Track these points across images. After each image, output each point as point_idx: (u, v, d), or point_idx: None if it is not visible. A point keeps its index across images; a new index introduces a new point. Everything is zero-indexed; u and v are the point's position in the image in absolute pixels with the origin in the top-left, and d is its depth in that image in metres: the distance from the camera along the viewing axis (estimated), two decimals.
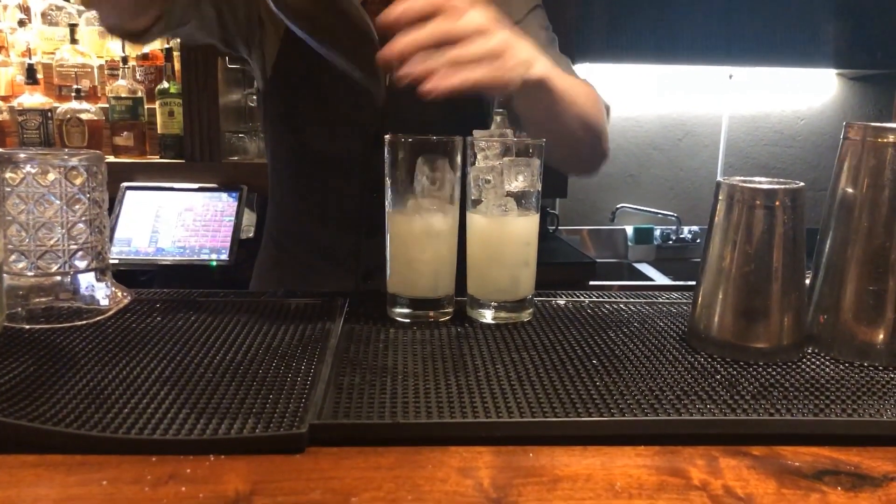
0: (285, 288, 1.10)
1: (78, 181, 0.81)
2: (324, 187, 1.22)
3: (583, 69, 2.83)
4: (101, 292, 0.85)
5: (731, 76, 3.01)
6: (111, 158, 2.38)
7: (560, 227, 2.92)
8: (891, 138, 0.74)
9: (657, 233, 3.03)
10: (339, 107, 1.17)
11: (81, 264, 0.83)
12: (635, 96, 3.01)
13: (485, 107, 1.23)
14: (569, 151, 1.09)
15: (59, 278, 0.82)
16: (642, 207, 3.01)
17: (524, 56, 0.86)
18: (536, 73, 0.88)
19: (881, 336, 0.75)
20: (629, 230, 3.03)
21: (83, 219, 0.82)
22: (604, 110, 1.09)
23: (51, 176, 0.79)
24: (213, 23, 1.14)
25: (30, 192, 0.78)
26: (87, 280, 0.84)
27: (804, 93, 3.08)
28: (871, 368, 0.74)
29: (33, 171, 0.78)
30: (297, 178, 1.24)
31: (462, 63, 0.80)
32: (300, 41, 1.07)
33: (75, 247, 0.82)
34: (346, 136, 1.18)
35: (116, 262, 2.10)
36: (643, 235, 3.03)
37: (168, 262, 2.13)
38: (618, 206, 3.00)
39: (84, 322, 0.81)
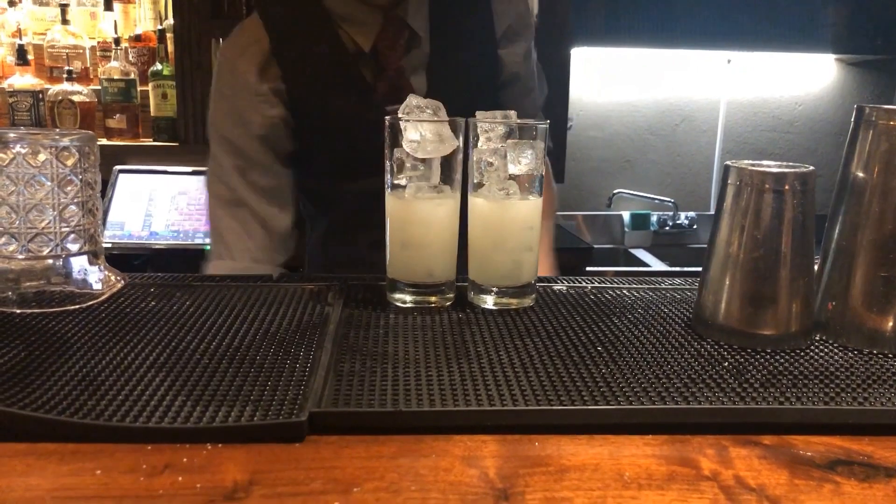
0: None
1: (69, 162, 0.78)
2: (373, 217, 1.23)
3: (580, 53, 2.81)
4: (94, 276, 0.83)
5: (729, 61, 2.99)
6: (104, 141, 2.35)
7: (557, 213, 2.90)
8: None
9: (654, 218, 3.02)
10: (368, 149, 1.15)
11: (74, 247, 0.81)
12: (633, 81, 2.99)
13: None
14: None
15: (50, 261, 0.80)
16: (639, 193, 3.00)
17: None
18: None
19: (891, 323, 0.74)
20: (626, 216, 3.01)
21: (75, 200, 0.80)
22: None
23: (41, 156, 0.77)
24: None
25: (20, 172, 0.76)
26: (79, 263, 0.82)
27: (802, 78, 3.06)
28: (880, 356, 0.73)
29: (23, 151, 0.76)
30: (345, 217, 1.29)
31: None
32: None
33: (67, 229, 0.79)
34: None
35: (109, 245, 2.07)
36: (640, 221, 3.01)
37: (162, 247, 2.10)
38: (614, 191, 2.99)
39: (76, 306, 0.79)
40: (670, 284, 0.96)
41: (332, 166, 1.23)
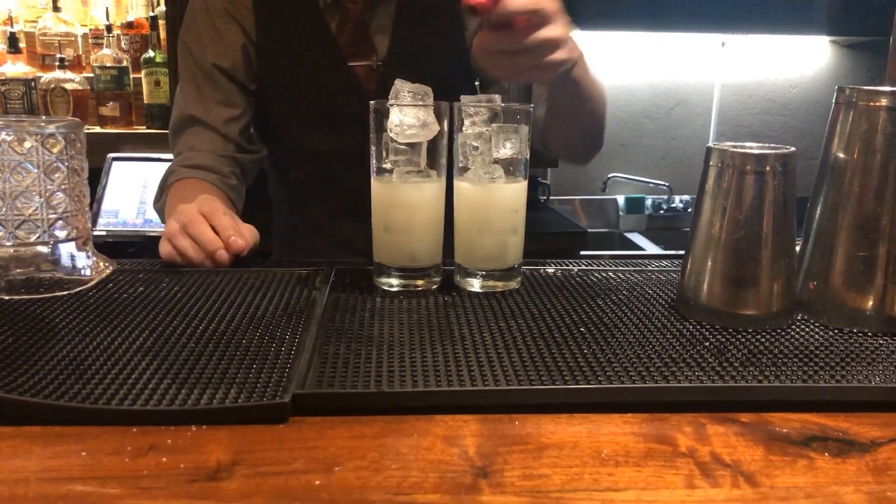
0: None
1: (56, 149, 0.79)
2: (332, 182, 1.26)
3: (574, 37, 2.80)
4: (83, 262, 0.84)
5: (723, 44, 2.99)
6: (97, 129, 2.35)
7: (551, 197, 2.91)
8: (883, 102, 0.73)
9: (649, 202, 3.02)
10: (328, 103, 1.22)
11: (61, 234, 0.81)
12: (627, 64, 2.98)
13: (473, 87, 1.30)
14: (575, 140, 1.20)
15: (39, 248, 0.80)
16: (634, 177, 3.00)
17: (577, 55, 0.94)
18: (576, 73, 0.98)
19: (871, 302, 0.75)
20: (621, 200, 3.02)
21: (62, 187, 0.80)
22: (606, 107, 1.18)
23: (27, 144, 0.77)
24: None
25: (5, 160, 0.76)
26: (67, 250, 0.82)
27: (796, 60, 3.06)
28: (860, 335, 0.74)
29: (9, 138, 0.76)
30: (304, 179, 1.29)
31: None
32: (275, 57, 1.21)
33: (55, 216, 0.80)
34: (343, 129, 1.22)
35: (104, 234, 2.08)
36: (635, 205, 3.02)
37: (156, 234, 2.10)
38: (609, 175, 2.99)
39: (65, 292, 0.80)
40: (656, 266, 0.97)
41: (289, 112, 1.25)
